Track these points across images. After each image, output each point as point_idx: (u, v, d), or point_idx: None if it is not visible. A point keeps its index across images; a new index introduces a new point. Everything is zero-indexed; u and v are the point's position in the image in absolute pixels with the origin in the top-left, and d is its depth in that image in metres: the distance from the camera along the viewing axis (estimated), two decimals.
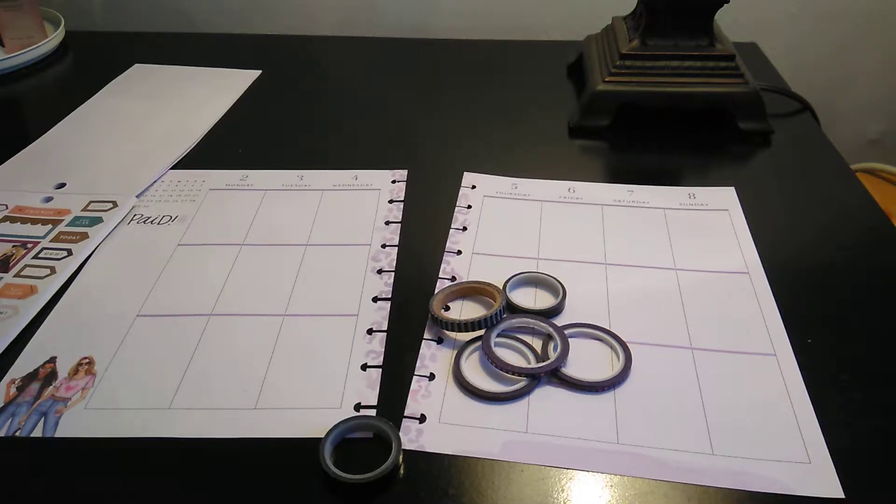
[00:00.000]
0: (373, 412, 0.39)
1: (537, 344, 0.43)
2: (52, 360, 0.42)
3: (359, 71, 0.78)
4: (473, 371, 0.41)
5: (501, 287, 0.46)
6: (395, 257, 0.50)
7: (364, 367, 0.42)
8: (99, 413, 0.39)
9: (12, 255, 0.50)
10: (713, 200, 0.55)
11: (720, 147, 0.63)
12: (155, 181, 0.59)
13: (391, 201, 0.56)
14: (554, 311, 0.45)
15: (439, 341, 0.43)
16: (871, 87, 0.97)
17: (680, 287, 0.47)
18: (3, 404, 0.40)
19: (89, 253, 0.51)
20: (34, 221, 0.53)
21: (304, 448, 0.37)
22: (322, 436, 0.37)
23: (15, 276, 0.48)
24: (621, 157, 0.63)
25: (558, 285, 0.46)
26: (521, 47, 0.83)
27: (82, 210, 0.55)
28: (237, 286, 0.48)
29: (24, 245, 0.51)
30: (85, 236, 0.52)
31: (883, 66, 0.95)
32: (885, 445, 0.37)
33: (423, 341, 0.43)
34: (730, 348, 0.42)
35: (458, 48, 0.84)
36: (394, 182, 0.58)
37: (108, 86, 0.74)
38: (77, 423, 0.39)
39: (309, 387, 0.40)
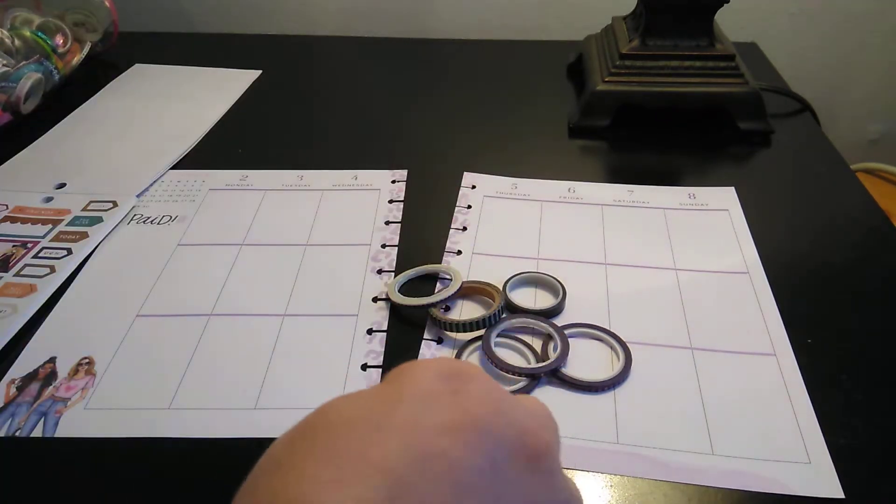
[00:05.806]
0: None
1: (537, 344, 0.43)
2: (52, 360, 0.42)
3: (359, 71, 0.78)
4: None
5: (501, 287, 0.46)
6: (394, 257, 0.50)
7: (364, 367, 0.42)
8: (99, 413, 0.39)
9: (12, 255, 0.50)
10: (713, 200, 0.55)
11: (720, 147, 0.63)
12: (155, 181, 0.59)
13: (391, 201, 0.56)
14: (554, 311, 0.45)
15: (439, 341, 0.43)
16: (871, 87, 0.97)
17: (680, 287, 0.47)
18: (2, 404, 0.40)
19: (89, 252, 0.51)
20: (34, 221, 0.53)
21: None
22: None
23: (15, 275, 0.48)
24: (621, 156, 0.63)
25: (558, 285, 0.46)
26: (521, 47, 0.83)
27: (82, 210, 0.55)
28: (237, 286, 0.48)
29: (24, 245, 0.51)
30: (85, 236, 0.52)
31: (883, 66, 0.95)
32: (886, 445, 0.37)
33: (423, 341, 0.43)
34: (730, 348, 0.42)
35: (458, 48, 0.84)
36: (394, 182, 0.58)
37: (108, 86, 0.74)
38: (77, 423, 0.38)
39: (309, 387, 0.40)
